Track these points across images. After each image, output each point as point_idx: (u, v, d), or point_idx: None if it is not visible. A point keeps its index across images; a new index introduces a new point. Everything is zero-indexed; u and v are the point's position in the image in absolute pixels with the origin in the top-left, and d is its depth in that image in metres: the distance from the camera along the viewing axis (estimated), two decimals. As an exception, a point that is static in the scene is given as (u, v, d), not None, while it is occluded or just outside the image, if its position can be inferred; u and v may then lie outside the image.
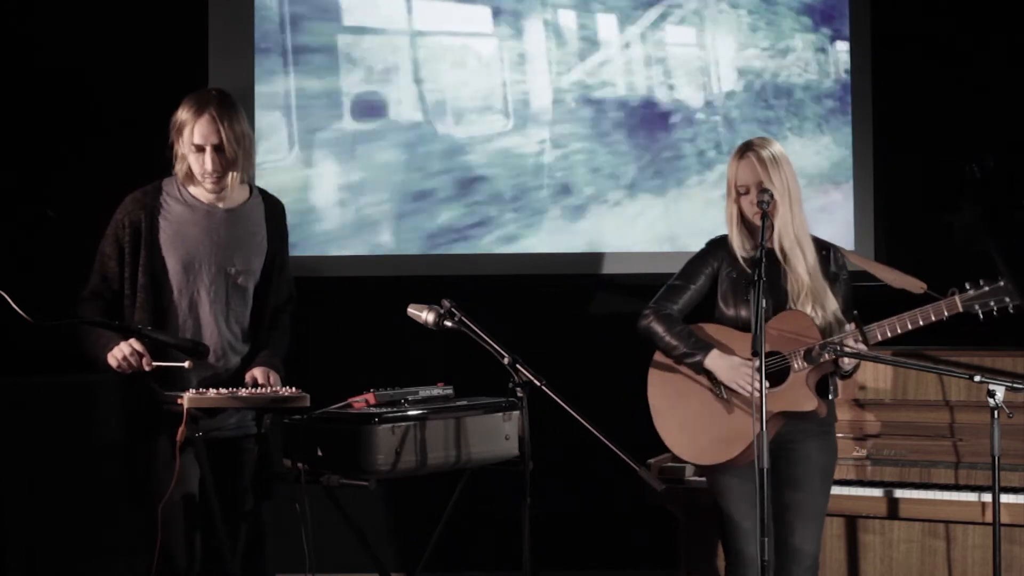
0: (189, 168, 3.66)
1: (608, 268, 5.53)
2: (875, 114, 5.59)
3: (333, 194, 5.48)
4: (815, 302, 3.68)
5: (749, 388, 3.64)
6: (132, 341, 3.51)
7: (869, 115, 5.59)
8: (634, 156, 5.56)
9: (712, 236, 3.91)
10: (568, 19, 5.56)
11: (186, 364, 3.52)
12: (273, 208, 3.84)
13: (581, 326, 5.56)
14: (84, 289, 3.66)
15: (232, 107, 3.63)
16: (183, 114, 3.62)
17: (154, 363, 3.52)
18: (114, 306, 3.64)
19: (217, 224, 3.70)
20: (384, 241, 5.50)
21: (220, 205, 3.71)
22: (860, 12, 5.59)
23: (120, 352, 3.50)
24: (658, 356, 3.86)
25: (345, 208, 5.48)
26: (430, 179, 5.51)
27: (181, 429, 3.44)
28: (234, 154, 3.62)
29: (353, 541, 3.98)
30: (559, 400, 3.28)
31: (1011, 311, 3.57)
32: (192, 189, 3.70)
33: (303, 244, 5.33)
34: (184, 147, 3.63)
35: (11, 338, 4.16)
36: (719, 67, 5.59)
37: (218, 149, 3.61)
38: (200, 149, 3.61)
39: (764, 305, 3.40)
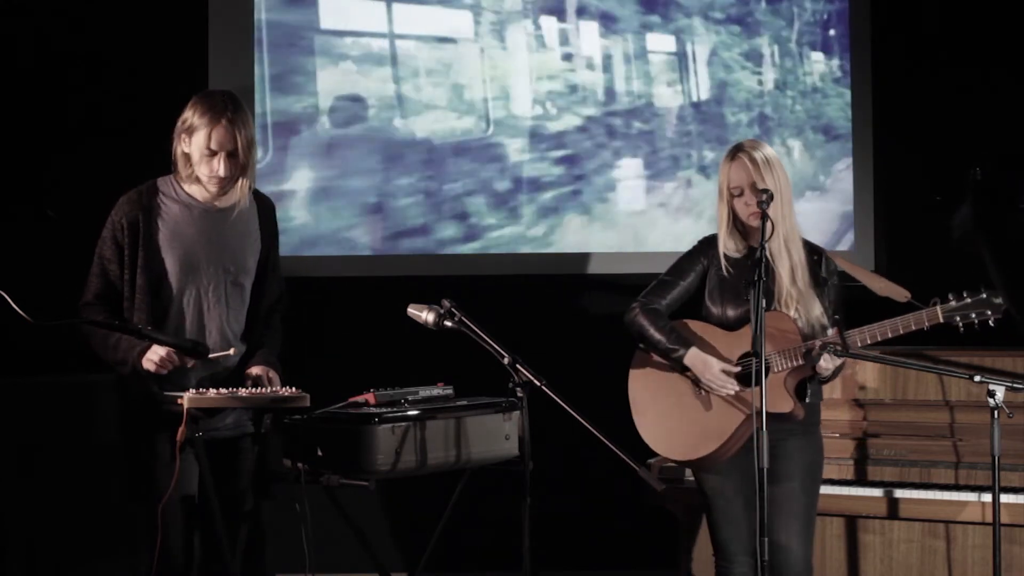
0: (186, 166, 3.65)
1: (607, 268, 5.53)
2: (875, 114, 5.59)
3: (309, 197, 5.46)
4: (798, 304, 3.68)
5: (729, 391, 3.66)
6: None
7: (869, 115, 5.59)
8: (616, 161, 5.55)
9: (695, 236, 3.93)
10: (550, 25, 5.56)
11: (231, 351, 3.58)
12: (265, 207, 3.84)
13: (581, 326, 5.56)
14: (86, 294, 3.64)
15: (244, 112, 3.65)
16: (196, 117, 3.61)
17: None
18: (119, 310, 3.63)
19: (214, 223, 3.70)
20: (361, 245, 5.48)
21: (216, 204, 3.71)
22: (860, 12, 5.59)
23: (156, 355, 3.50)
24: (640, 351, 3.87)
25: (319, 212, 5.46)
26: (408, 183, 5.49)
27: (181, 429, 3.44)
28: (246, 161, 3.64)
29: (353, 541, 3.98)
30: (559, 400, 3.28)
31: (991, 324, 3.56)
32: (189, 188, 3.69)
33: (289, 246, 5.31)
34: (193, 149, 3.63)
35: (11, 338, 4.16)
36: (700, 72, 5.58)
37: (231, 155, 3.62)
38: (214, 154, 3.61)
39: (763, 305, 3.41)
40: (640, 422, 3.83)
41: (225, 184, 3.66)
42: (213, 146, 3.59)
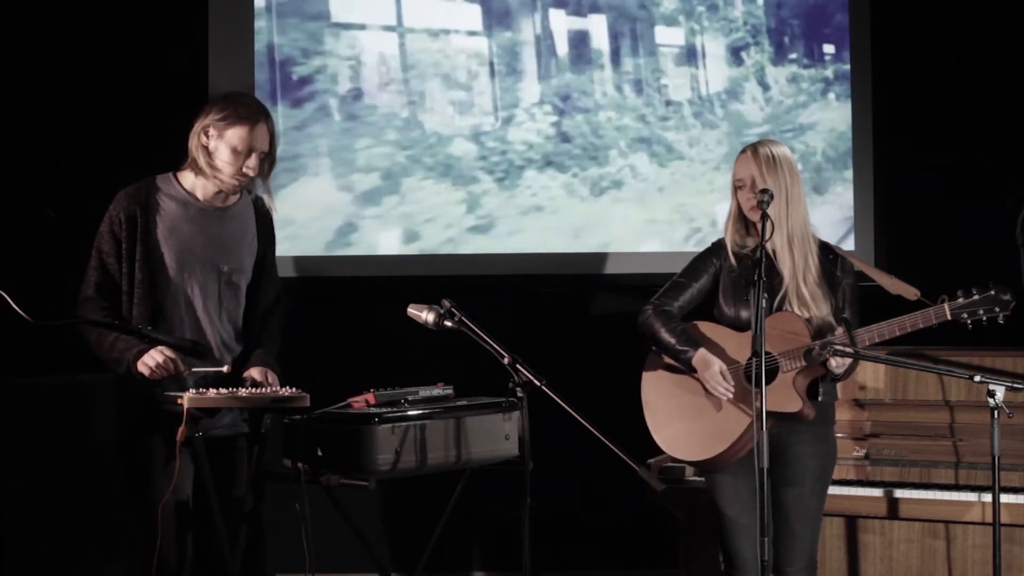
0: (205, 162, 3.64)
1: (608, 268, 5.53)
2: (875, 114, 5.59)
3: (319, 192, 5.46)
4: (802, 304, 3.68)
5: (722, 393, 3.66)
6: (163, 348, 3.51)
7: (869, 116, 5.59)
8: (624, 155, 5.56)
9: (701, 235, 3.93)
10: (558, 18, 5.57)
11: (224, 369, 3.55)
12: (261, 208, 3.84)
13: (581, 326, 5.56)
14: (85, 289, 3.63)
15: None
16: (233, 114, 3.61)
17: (192, 368, 3.54)
18: (118, 304, 3.62)
19: (211, 222, 3.70)
20: (371, 239, 5.49)
21: (215, 204, 3.71)
22: (859, 13, 5.59)
23: (152, 360, 3.49)
24: (653, 352, 3.88)
25: (330, 206, 5.47)
26: (417, 176, 5.49)
27: (181, 429, 3.43)
28: (271, 166, 3.70)
29: (353, 541, 3.98)
30: (559, 400, 3.28)
31: (1000, 321, 3.56)
32: (191, 185, 3.69)
33: (292, 245, 5.32)
34: (224, 144, 3.62)
35: (11, 338, 4.16)
36: (709, 68, 5.59)
37: (263, 156, 3.66)
38: (250, 152, 3.62)
39: (763, 304, 3.41)
40: (652, 423, 3.83)
41: (245, 184, 3.68)
42: (253, 144, 3.62)
